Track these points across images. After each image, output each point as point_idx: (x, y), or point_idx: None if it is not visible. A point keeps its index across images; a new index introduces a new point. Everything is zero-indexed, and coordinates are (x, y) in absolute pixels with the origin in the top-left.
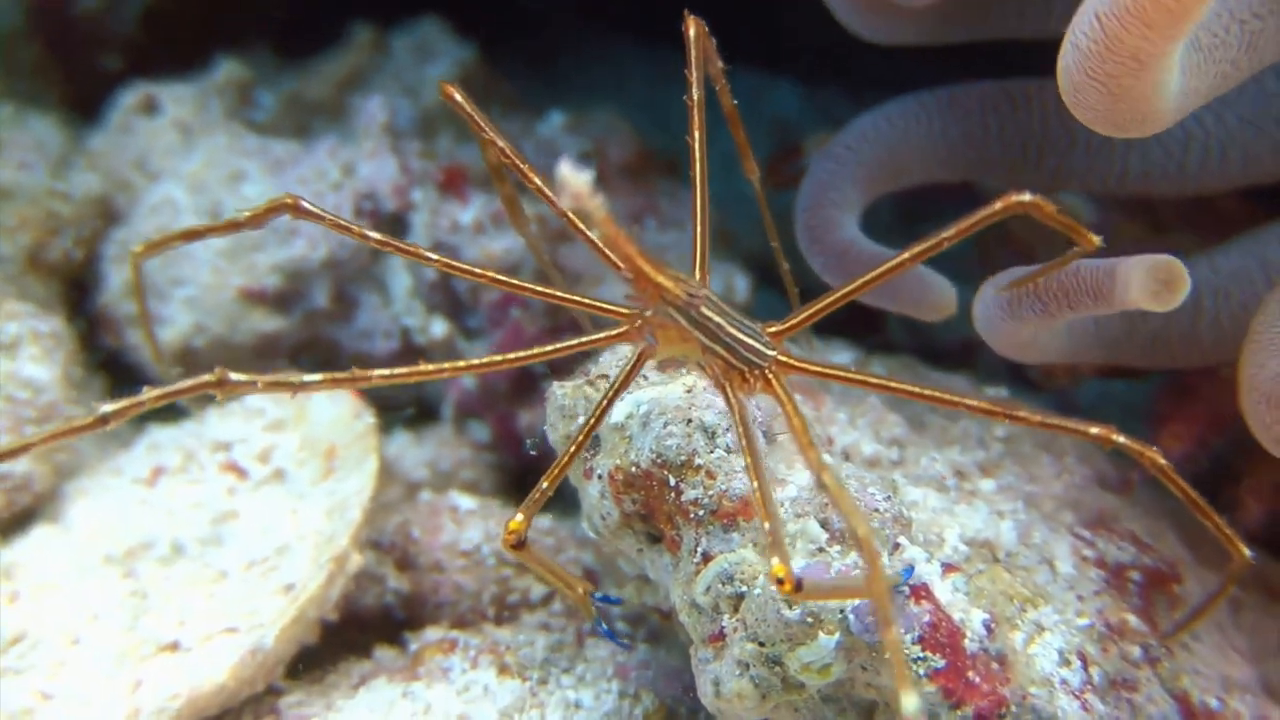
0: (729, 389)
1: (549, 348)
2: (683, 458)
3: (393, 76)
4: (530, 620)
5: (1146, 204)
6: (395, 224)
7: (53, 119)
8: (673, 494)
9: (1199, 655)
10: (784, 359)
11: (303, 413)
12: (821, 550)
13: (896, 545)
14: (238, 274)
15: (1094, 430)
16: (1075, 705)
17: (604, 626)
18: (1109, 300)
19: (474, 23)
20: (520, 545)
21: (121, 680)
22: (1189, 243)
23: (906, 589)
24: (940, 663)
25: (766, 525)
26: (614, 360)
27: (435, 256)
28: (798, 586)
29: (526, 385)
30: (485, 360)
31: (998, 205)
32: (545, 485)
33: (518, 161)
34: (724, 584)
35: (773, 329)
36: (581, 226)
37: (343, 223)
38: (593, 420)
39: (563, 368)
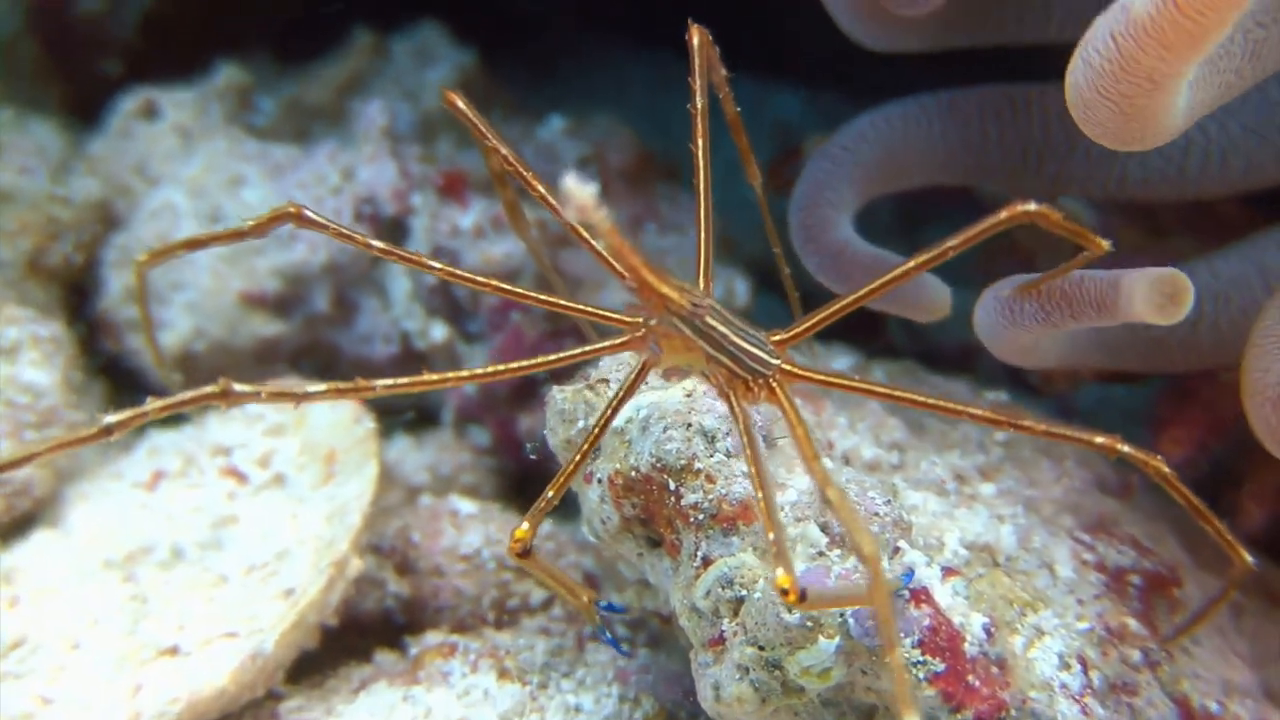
0: (733, 398)
1: (553, 357)
2: (682, 462)
3: (392, 81)
4: (530, 624)
5: (1146, 209)
6: (395, 228)
7: (53, 123)
8: (673, 498)
9: (1199, 659)
10: (788, 367)
11: (303, 418)
12: (821, 554)
13: (896, 549)
14: (238, 278)
15: (1099, 440)
16: (1075, 709)
17: (607, 635)
18: (1112, 312)
19: (474, 27)
20: (526, 554)
21: (121, 685)
22: (1189, 247)
23: (906, 593)
24: (940, 666)
25: (770, 535)
26: (614, 365)
27: (439, 265)
28: (802, 596)
29: (527, 390)
30: (488, 370)
31: (1003, 215)
32: (550, 494)
33: (520, 168)
34: (724, 588)
35: (776, 337)
36: (584, 234)
37: (346, 231)
38: (596, 429)
39: (563, 372)
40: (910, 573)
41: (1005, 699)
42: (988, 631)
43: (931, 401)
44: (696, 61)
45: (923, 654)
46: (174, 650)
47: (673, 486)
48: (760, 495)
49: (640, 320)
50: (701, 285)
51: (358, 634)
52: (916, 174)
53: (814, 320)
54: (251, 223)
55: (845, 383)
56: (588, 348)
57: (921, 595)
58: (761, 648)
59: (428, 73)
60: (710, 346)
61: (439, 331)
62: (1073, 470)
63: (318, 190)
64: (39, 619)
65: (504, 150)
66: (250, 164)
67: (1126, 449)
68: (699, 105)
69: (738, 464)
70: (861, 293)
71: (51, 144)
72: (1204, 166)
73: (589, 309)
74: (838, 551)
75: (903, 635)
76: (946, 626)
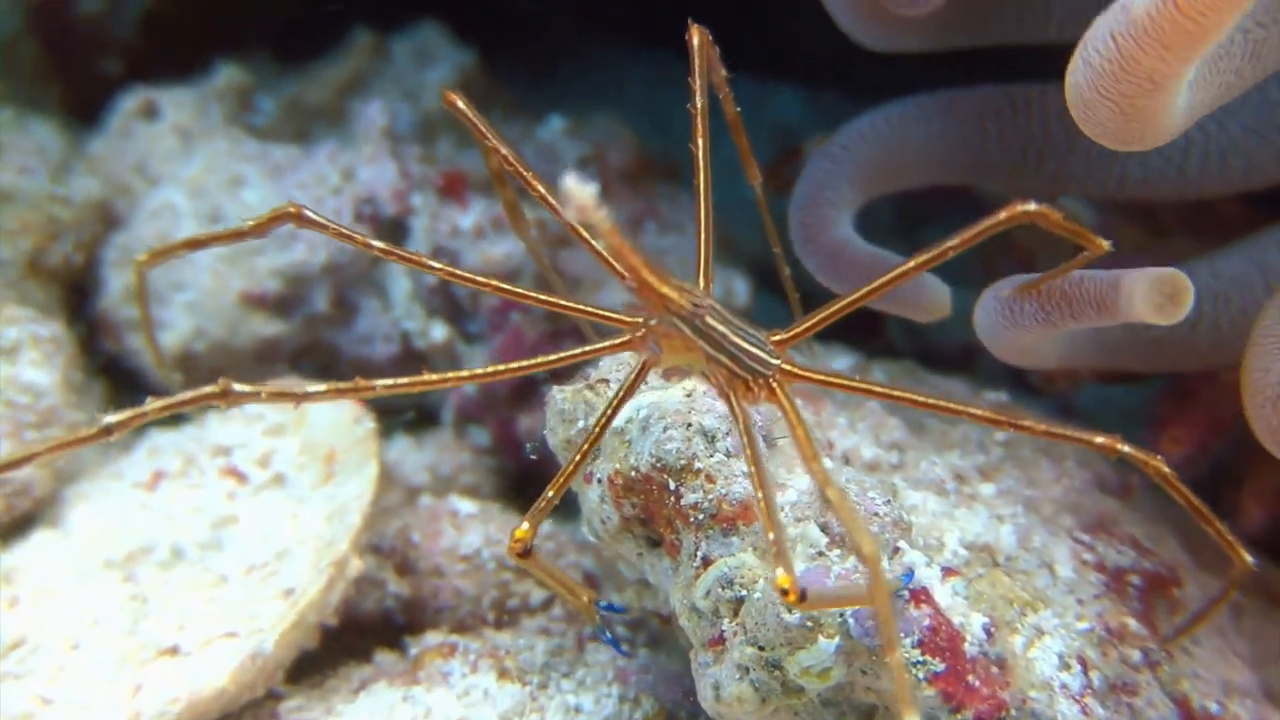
0: (733, 398)
1: (553, 357)
2: (682, 462)
3: (393, 81)
4: (530, 625)
5: (1146, 208)
6: (395, 229)
7: (53, 123)
8: (672, 498)
9: (1199, 659)
10: (788, 368)
11: (303, 417)
12: (821, 554)
13: (896, 549)
14: (238, 278)
15: (1099, 440)
16: (1075, 709)
17: (608, 635)
18: (1112, 312)
19: (474, 27)
20: (527, 554)
21: (121, 685)
22: (1189, 247)
23: (906, 593)
24: (940, 666)
25: (770, 535)
26: (614, 364)
27: (439, 265)
28: (802, 597)
29: (526, 390)
30: (488, 370)
31: (1003, 215)
32: (551, 494)
33: (521, 169)
34: (724, 588)
35: (777, 337)
36: (584, 233)
37: (346, 232)
38: (597, 430)
39: (563, 372)
40: (910, 573)
41: (1005, 699)
42: (988, 631)
43: (932, 402)
44: (697, 62)
45: (923, 654)
46: (174, 650)
47: (673, 486)
48: (760, 495)
49: (640, 320)
50: (701, 285)
51: (358, 634)
52: (916, 173)
53: (814, 320)
54: (252, 223)
55: (845, 383)
56: (588, 348)
57: (921, 595)
58: (761, 648)
59: (428, 73)
60: (710, 347)
61: (439, 331)
62: (1072, 470)
63: (318, 190)
64: (39, 619)
65: (504, 150)
66: (250, 164)
67: (1127, 449)
68: (699, 105)
69: (737, 464)
70: (861, 293)
71: (51, 144)
72: (1204, 166)
73: (589, 309)
74: (837, 551)
75: (903, 635)
76: (946, 626)
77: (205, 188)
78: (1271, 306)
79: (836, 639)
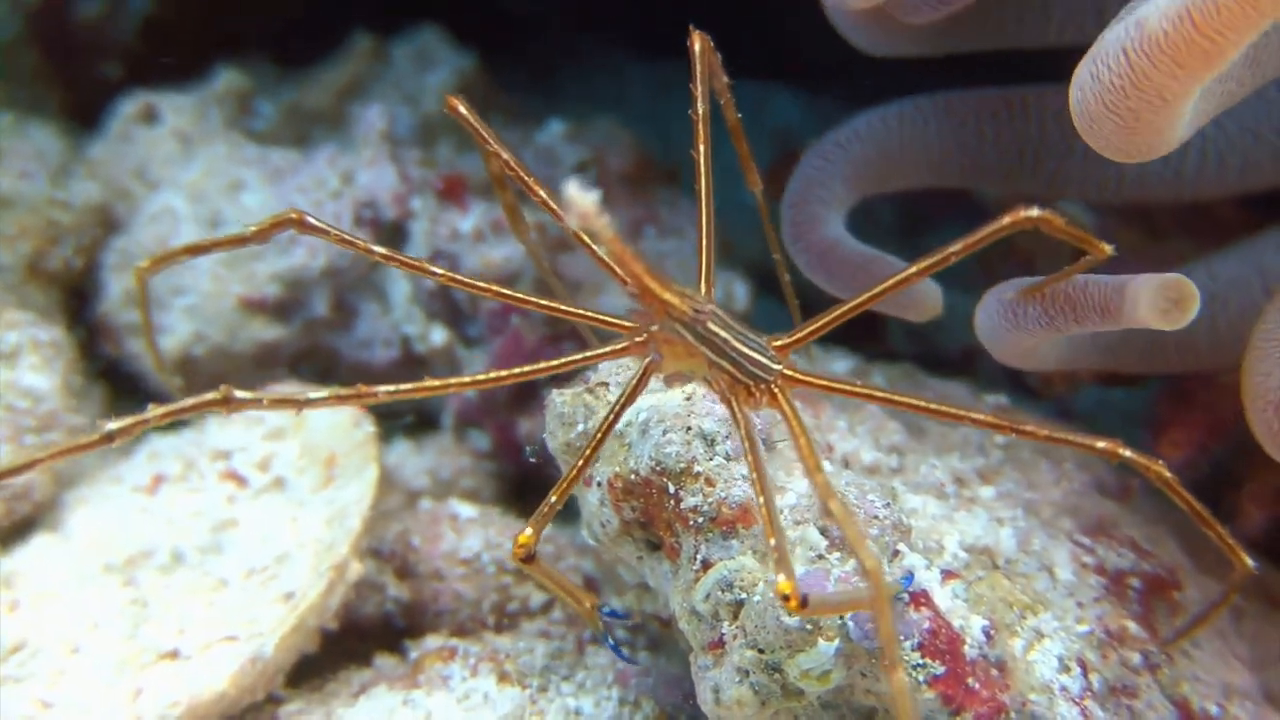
0: (734, 404)
1: (554, 363)
2: (682, 465)
3: (392, 85)
4: (530, 628)
5: (1144, 211)
6: (395, 232)
7: (52, 127)
8: (672, 501)
9: (1199, 662)
10: (789, 373)
11: (302, 421)
12: (821, 557)
13: (896, 552)
14: (238, 283)
15: (1101, 445)
16: (1075, 712)
17: (611, 641)
18: (1117, 317)
19: (473, 30)
20: (530, 559)
21: (121, 688)
22: (1186, 249)
23: (906, 596)
24: (940, 669)
25: (772, 541)
26: (614, 368)
27: (440, 271)
28: (804, 603)
29: (526, 393)
30: (489, 376)
31: (1005, 220)
32: (554, 499)
33: (521, 173)
34: (723, 591)
35: (778, 342)
36: (584, 237)
37: (348, 237)
38: (599, 435)
39: (562, 376)
40: (910, 575)
41: (1005, 701)
42: (987, 634)
43: (933, 407)
44: (698, 68)
45: (922, 657)
46: (174, 654)
47: (672, 490)
48: (762, 501)
49: (641, 326)
50: (703, 291)
51: (357, 638)
52: (912, 174)
53: (816, 325)
54: (253, 228)
55: (847, 388)
56: (589, 353)
57: (921, 598)
58: (761, 650)
59: (427, 77)
60: (712, 352)
61: (439, 335)
62: (1072, 473)
63: (317, 194)
64: (39, 623)
65: (505, 155)
66: (250, 168)
67: (1128, 454)
68: (700, 111)
69: (737, 467)
70: (864, 297)
71: (51, 148)
72: (1201, 167)
73: (590, 314)
74: (837, 555)
75: (902, 638)
76: (946, 629)
77: (205, 192)
78: (1271, 309)
79: (836, 642)
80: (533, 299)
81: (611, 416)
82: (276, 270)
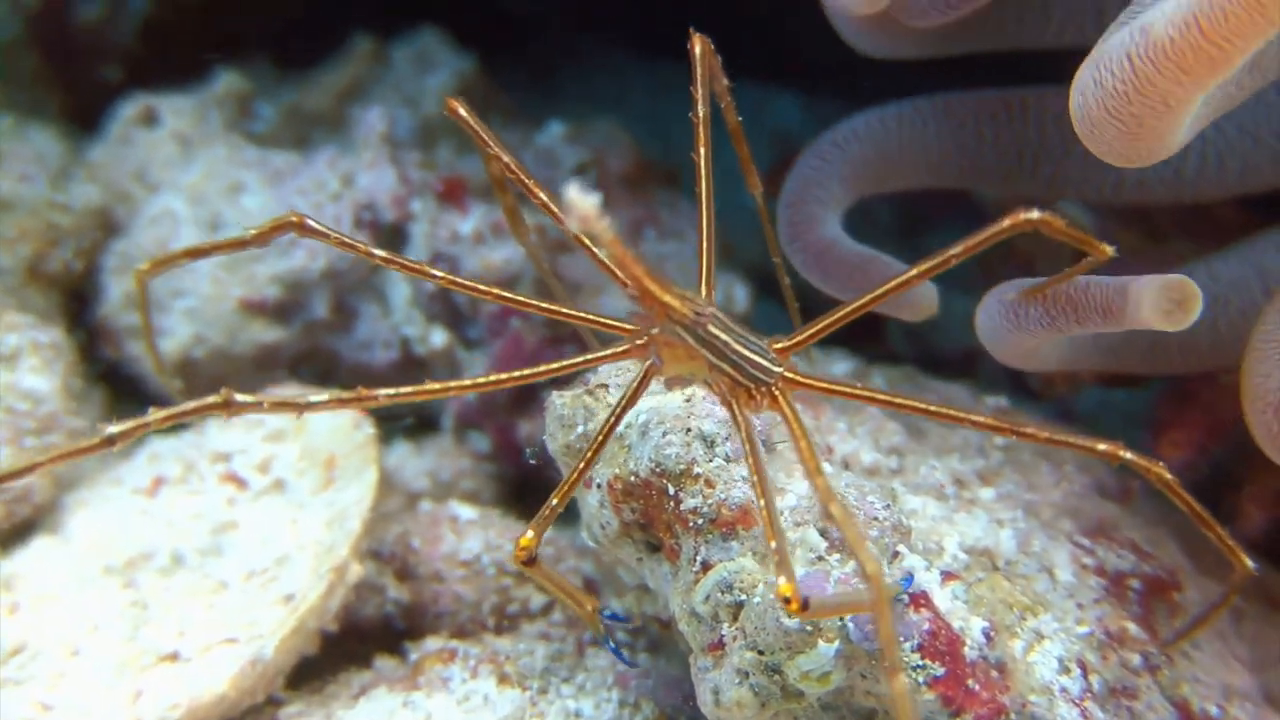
0: (735, 406)
1: (554, 365)
2: (681, 466)
3: (392, 87)
4: (530, 630)
5: (1143, 212)
6: (395, 235)
7: (52, 130)
8: (672, 503)
9: (1199, 663)
10: (790, 375)
11: (302, 424)
12: (821, 559)
13: (896, 553)
14: (238, 285)
15: (1102, 447)
16: (1075, 713)
17: (612, 644)
18: (1119, 318)
19: (473, 32)
20: (531, 562)
21: (121, 691)
22: (1186, 251)
23: (906, 597)
24: (940, 670)
25: (773, 544)
26: (614, 369)
27: (440, 273)
28: (804, 606)
29: (526, 395)
30: (490, 379)
31: (1006, 223)
32: (555, 502)
33: (521, 175)
34: (723, 592)
35: (779, 345)
36: (584, 240)
37: (348, 240)
38: (600, 438)
39: (563, 377)
40: (910, 577)
41: (1005, 703)
42: (987, 635)
43: (933, 409)
44: (698, 70)
45: (922, 658)
46: (174, 656)
47: (672, 491)
48: (763, 504)
49: (642, 328)
50: (703, 293)
51: (358, 640)
52: (910, 175)
53: (816, 328)
54: (254, 231)
55: (847, 390)
56: (589, 356)
57: (921, 599)
58: (761, 652)
59: (427, 79)
60: (713, 355)
61: (439, 337)
62: (1072, 474)
63: (317, 197)
64: (39, 625)
65: (505, 157)
66: (250, 170)
67: (1129, 456)
68: (701, 114)
69: (737, 469)
70: (864, 300)
71: (51, 151)
72: (1201, 168)
73: (590, 316)
74: (837, 556)
75: (902, 639)
76: (946, 631)
77: (205, 194)
78: (1270, 310)
79: (836, 643)
80: (533, 301)
81: (612, 419)
82: (276, 272)
